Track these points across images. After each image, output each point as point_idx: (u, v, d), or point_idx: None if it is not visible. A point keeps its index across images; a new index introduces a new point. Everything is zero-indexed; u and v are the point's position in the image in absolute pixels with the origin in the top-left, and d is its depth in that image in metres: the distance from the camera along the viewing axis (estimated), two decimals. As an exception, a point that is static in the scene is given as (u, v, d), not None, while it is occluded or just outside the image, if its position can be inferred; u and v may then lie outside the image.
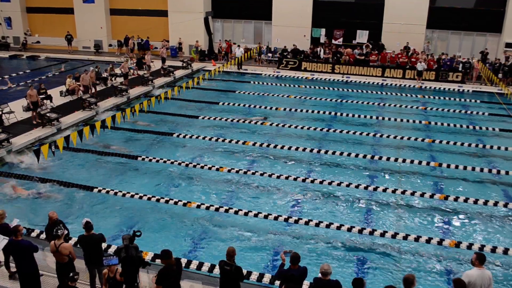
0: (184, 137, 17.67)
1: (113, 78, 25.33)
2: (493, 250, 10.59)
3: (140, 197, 12.72)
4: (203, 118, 19.96)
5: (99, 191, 13.10)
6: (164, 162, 15.22)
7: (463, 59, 28.33)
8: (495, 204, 12.84)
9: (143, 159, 15.41)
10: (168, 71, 27.35)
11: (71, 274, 7.39)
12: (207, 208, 12.23)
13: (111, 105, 21.38)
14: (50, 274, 8.91)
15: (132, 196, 12.78)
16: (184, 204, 12.37)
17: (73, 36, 34.94)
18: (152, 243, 10.74)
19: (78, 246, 8.81)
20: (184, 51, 33.29)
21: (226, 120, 19.64)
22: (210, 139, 17.41)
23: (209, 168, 14.87)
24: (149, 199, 12.67)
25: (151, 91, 24.42)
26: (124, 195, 12.86)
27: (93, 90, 22.47)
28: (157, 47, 33.26)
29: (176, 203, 12.45)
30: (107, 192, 13.01)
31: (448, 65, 28.07)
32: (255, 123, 19.62)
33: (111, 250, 9.80)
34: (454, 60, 28.19)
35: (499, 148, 17.14)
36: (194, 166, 15.02)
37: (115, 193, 12.94)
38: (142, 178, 14.50)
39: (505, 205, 12.80)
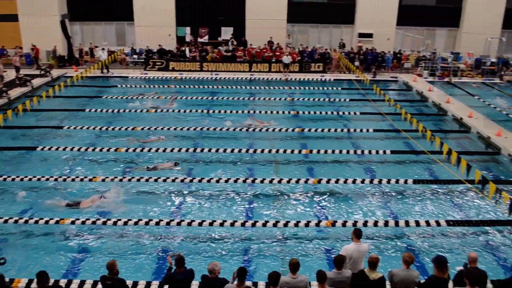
0: (49, 149, 16.36)
1: (-42, 93, 22.59)
2: (365, 224, 11.43)
3: (6, 221, 11.49)
4: (68, 128, 18.68)
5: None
6: (30, 179, 13.90)
7: (323, 50, 30.23)
8: (362, 181, 13.91)
9: (5, 179, 13.97)
10: (25, 80, 25.15)
11: None
12: (83, 222, 11.45)
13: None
14: None
15: (-5, 220, 11.49)
16: (57, 222, 11.44)
17: None
18: (24, 268, 9.81)
19: None
20: (40, 57, 30.85)
21: (94, 128, 18.58)
22: (78, 149, 16.34)
23: (81, 180, 13.97)
24: (16, 221, 11.49)
25: (7, 103, 22.24)
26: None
27: None
28: (10, 55, 30.39)
29: (47, 222, 11.45)
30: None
31: (309, 56, 29.73)
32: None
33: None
34: (315, 51, 29.95)
35: (361, 130, 18.58)
36: (64, 180, 13.98)
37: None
38: (4, 200, 13.13)
39: (371, 181, 13.97)
